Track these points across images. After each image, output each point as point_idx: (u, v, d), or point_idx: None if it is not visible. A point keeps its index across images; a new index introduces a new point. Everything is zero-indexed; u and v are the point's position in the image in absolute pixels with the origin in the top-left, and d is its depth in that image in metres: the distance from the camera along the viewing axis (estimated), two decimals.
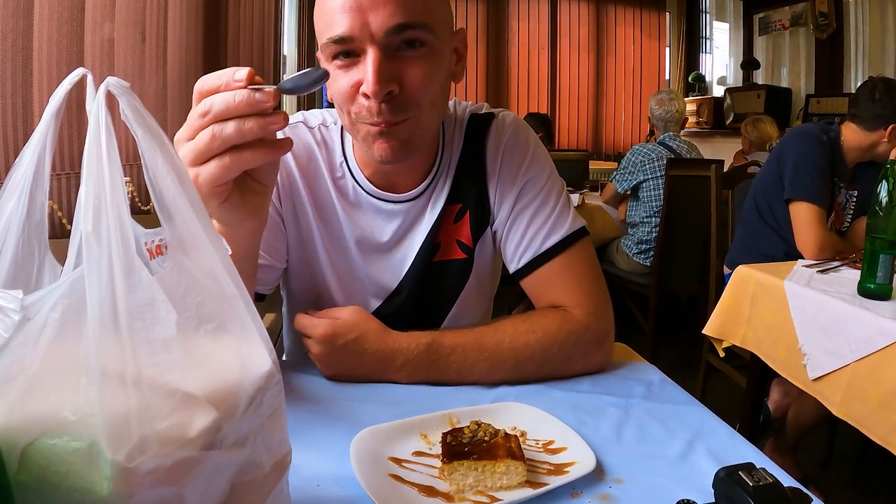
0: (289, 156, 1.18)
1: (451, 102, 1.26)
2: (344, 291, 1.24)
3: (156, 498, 0.43)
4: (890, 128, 2.54)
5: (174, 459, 0.43)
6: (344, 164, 1.20)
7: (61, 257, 0.54)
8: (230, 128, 0.73)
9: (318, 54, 1.05)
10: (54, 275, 0.54)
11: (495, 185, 1.21)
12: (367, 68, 0.95)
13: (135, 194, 1.55)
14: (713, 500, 0.68)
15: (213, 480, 0.48)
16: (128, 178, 1.53)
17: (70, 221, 1.24)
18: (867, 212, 2.28)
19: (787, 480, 0.71)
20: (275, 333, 2.13)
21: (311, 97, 5.37)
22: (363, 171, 1.19)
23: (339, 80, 1.00)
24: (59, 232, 1.23)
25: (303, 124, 1.21)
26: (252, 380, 0.51)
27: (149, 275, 0.46)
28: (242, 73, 0.72)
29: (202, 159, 0.75)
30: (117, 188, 0.44)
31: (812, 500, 0.67)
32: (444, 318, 1.29)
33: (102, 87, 0.47)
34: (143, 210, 1.58)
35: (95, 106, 0.46)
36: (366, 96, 0.97)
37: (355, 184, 1.20)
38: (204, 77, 0.75)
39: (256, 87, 0.72)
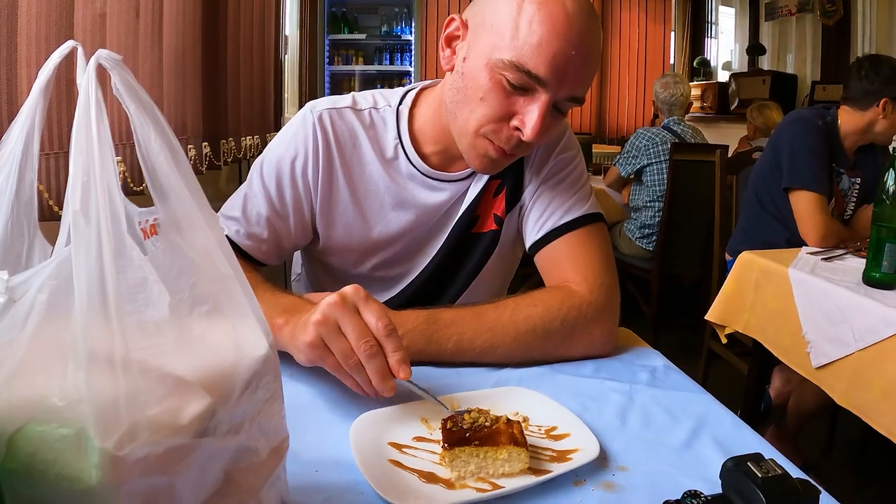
0: (332, 141, 1.20)
1: None
2: (386, 262, 1.29)
3: (146, 487, 0.41)
4: (882, 102, 2.52)
5: (165, 447, 0.42)
6: (399, 145, 1.23)
7: (52, 240, 0.53)
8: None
9: (461, 23, 1.09)
10: (44, 255, 0.53)
11: (531, 162, 1.26)
12: (533, 114, 1.01)
13: (127, 175, 1.53)
14: (720, 491, 0.66)
15: (206, 468, 0.46)
16: (119, 158, 1.51)
17: (59, 204, 1.23)
18: (871, 199, 2.26)
19: (795, 471, 0.70)
20: None
21: (313, 83, 5.34)
22: (422, 149, 1.23)
23: (498, 98, 1.04)
24: (48, 215, 1.22)
25: (350, 109, 1.24)
26: (248, 364, 0.50)
27: (140, 255, 0.44)
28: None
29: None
30: (107, 164, 0.43)
31: (821, 491, 0.66)
32: (465, 289, 1.32)
33: (93, 59, 0.45)
34: (135, 191, 1.57)
35: (85, 79, 0.44)
36: (517, 130, 1.04)
37: (409, 164, 1.23)
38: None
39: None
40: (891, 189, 1.87)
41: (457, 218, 1.26)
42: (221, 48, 2.57)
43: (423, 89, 1.26)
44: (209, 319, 0.48)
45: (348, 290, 0.85)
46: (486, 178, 1.24)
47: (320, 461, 0.76)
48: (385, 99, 1.25)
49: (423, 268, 1.29)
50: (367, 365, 0.82)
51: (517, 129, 1.03)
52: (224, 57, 2.60)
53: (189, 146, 2.20)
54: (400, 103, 1.24)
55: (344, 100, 1.24)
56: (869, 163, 2.70)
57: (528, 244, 1.26)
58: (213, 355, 0.48)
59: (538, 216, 1.24)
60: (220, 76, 2.58)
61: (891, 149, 1.94)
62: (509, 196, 1.27)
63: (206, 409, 0.45)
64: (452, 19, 1.10)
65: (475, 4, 1.08)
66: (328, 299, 0.84)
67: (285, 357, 1.03)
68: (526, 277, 1.25)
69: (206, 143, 2.37)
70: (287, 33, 4.79)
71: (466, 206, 1.25)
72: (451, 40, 1.10)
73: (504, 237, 1.29)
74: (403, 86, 1.31)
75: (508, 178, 1.26)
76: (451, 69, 1.10)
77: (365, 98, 1.26)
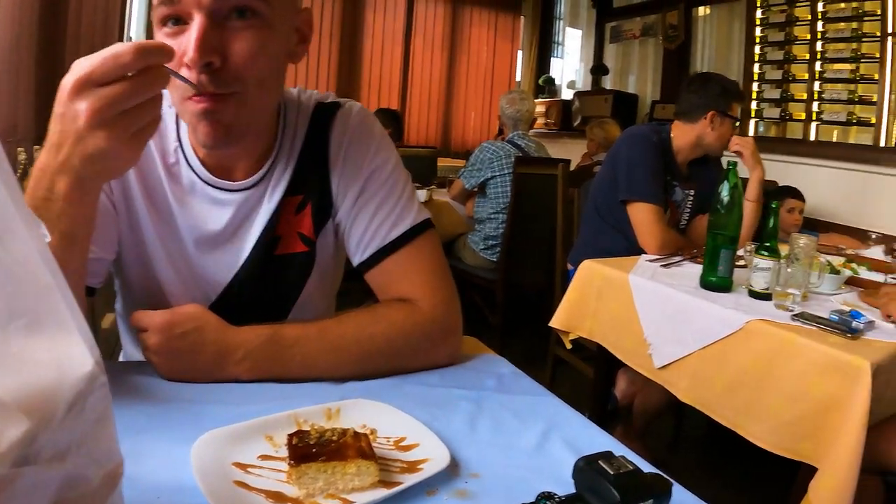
0: None
1: (295, 90, 1.22)
2: (181, 285, 1.17)
3: None
4: (709, 115, 2.69)
5: None
6: (179, 149, 1.13)
7: None
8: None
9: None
10: None
11: (338, 175, 1.18)
12: (190, 36, 0.91)
13: None
14: (574, 491, 0.67)
15: (30, 500, 0.42)
16: None
17: None
18: (705, 209, 2.42)
19: (646, 467, 0.72)
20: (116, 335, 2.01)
21: None
22: (197, 153, 1.13)
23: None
24: None
25: None
26: (71, 383, 0.45)
27: None
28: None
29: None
30: None
31: (673, 484, 0.68)
32: (286, 314, 1.23)
33: None
34: None
35: None
36: (188, 67, 0.92)
37: (189, 170, 1.13)
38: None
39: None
40: (725, 199, 2.01)
41: (255, 241, 1.16)
42: (60, 46, 2.40)
43: None
44: (28, 334, 0.44)
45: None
46: (279, 193, 1.15)
47: (161, 486, 0.71)
48: (168, 99, 1.12)
49: (224, 293, 1.18)
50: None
51: (187, 65, 0.92)
52: (62, 56, 2.43)
53: (19, 149, 2.04)
54: None
55: None
56: (702, 175, 2.88)
57: (355, 263, 1.20)
58: (31, 374, 0.43)
59: (361, 234, 1.17)
60: (59, 76, 2.41)
61: (724, 162, 2.08)
62: (316, 212, 1.18)
63: (26, 434, 0.41)
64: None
65: None
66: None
67: (123, 376, 0.98)
68: (369, 293, 1.22)
69: (38, 148, 2.21)
70: (133, 35, 4.56)
71: (262, 226, 1.16)
72: None
73: (320, 258, 1.22)
74: None
75: (312, 192, 1.18)
76: None
77: None
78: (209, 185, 1.13)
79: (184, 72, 0.93)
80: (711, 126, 2.71)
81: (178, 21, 0.93)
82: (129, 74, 0.76)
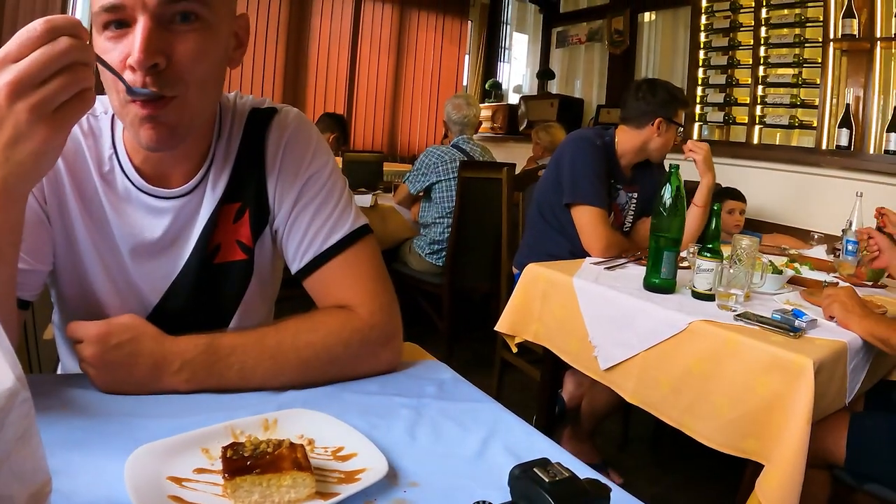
0: None
1: (231, 95, 1.21)
2: (117, 296, 1.14)
3: None
4: (657, 122, 2.72)
5: None
6: (113, 156, 1.11)
7: None
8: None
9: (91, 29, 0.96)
10: None
11: (275, 181, 1.17)
12: (135, 38, 0.89)
13: None
14: (510, 499, 0.67)
15: None
16: None
17: None
18: (649, 212, 2.44)
19: (585, 472, 0.72)
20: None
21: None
22: (133, 160, 1.11)
23: (109, 54, 0.92)
24: None
25: None
26: None
27: None
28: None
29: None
30: None
31: (611, 489, 0.68)
32: (226, 323, 1.22)
33: None
34: None
35: None
36: (132, 69, 0.91)
37: (124, 177, 1.10)
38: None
39: None
40: (667, 202, 2.03)
41: (190, 248, 1.14)
42: None
43: None
44: None
45: None
46: (216, 201, 1.13)
47: (95, 502, 0.68)
48: (103, 105, 1.12)
49: (161, 302, 1.16)
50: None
51: (131, 67, 0.91)
52: None
53: None
54: None
55: None
56: (645, 178, 2.91)
57: (293, 271, 1.20)
58: None
59: (299, 241, 1.17)
60: None
61: (667, 165, 2.10)
62: (254, 220, 1.18)
63: None
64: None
65: None
66: None
67: (59, 389, 0.95)
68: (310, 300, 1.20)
69: None
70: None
71: (199, 234, 1.14)
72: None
73: (259, 265, 1.21)
74: None
75: (249, 199, 1.17)
76: None
77: None
78: (144, 192, 1.11)
79: (127, 74, 0.91)
80: (658, 133, 2.74)
81: (121, 24, 0.92)
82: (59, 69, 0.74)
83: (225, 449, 0.74)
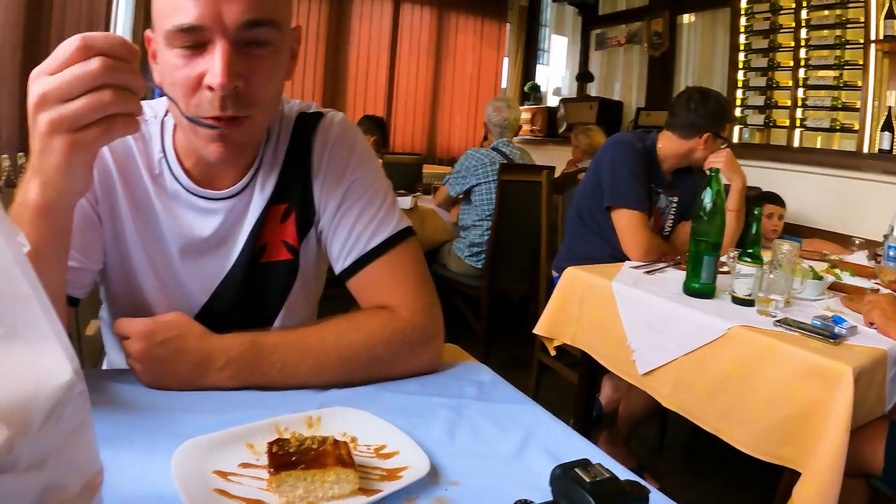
0: (106, 151, 1.10)
1: None
2: (166, 295, 1.17)
3: None
4: (704, 136, 2.70)
5: None
6: (163, 159, 1.14)
7: None
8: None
9: (149, 34, 1.00)
10: None
11: (320, 184, 1.19)
12: (215, 60, 0.93)
13: None
14: (551, 499, 0.68)
15: None
16: None
17: None
18: (688, 216, 2.42)
19: (624, 474, 0.73)
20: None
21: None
22: (183, 163, 1.14)
23: (181, 70, 0.95)
24: None
25: None
26: (49, 392, 0.45)
27: None
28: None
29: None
30: None
31: (650, 491, 0.69)
32: (271, 322, 1.24)
33: None
34: None
35: None
36: (210, 89, 0.94)
37: (174, 180, 1.14)
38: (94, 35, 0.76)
39: None
40: (707, 206, 2.02)
41: (239, 248, 1.17)
42: (44, 52, 2.39)
43: None
44: (5, 344, 0.44)
45: None
46: (264, 202, 1.16)
47: (142, 494, 0.71)
48: (151, 109, 1.16)
49: (210, 301, 1.20)
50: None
51: (209, 87, 0.94)
52: None
53: (3, 156, 2.03)
54: (165, 114, 1.15)
55: None
56: (685, 183, 2.89)
57: (337, 271, 1.22)
58: (9, 383, 0.43)
59: (343, 242, 1.18)
60: None
61: (707, 170, 2.09)
62: (300, 221, 1.20)
63: (4, 443, 0.41)
64: (147, 36, 1.04)
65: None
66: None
67: (105, 384, 0.97)
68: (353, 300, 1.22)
69: (21, 154, 2.20)
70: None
71: (248, 234, 1.17)
72: (154, 54, 1.03)
73: (304, 265, 1.23)
74: None
75: (295, 201, 1.19)
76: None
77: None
78: (193, 194, 1.14)
79: (205, 93, 0.95)
80: (704, 146, 2.72)
81: (196, 44, 0.94)
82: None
83: (270, 444, 0.75)
